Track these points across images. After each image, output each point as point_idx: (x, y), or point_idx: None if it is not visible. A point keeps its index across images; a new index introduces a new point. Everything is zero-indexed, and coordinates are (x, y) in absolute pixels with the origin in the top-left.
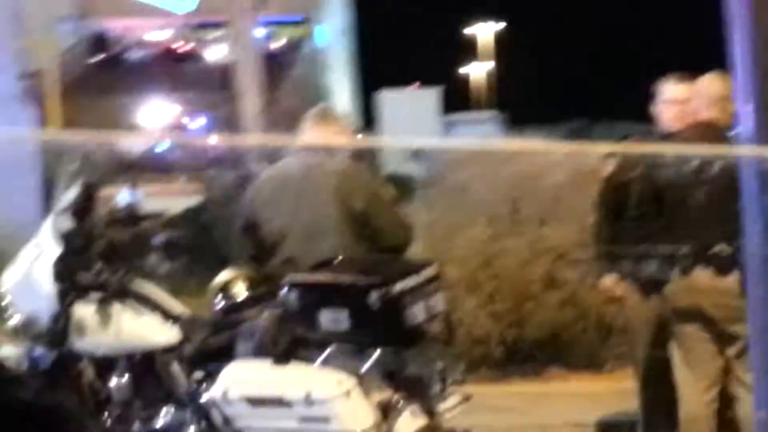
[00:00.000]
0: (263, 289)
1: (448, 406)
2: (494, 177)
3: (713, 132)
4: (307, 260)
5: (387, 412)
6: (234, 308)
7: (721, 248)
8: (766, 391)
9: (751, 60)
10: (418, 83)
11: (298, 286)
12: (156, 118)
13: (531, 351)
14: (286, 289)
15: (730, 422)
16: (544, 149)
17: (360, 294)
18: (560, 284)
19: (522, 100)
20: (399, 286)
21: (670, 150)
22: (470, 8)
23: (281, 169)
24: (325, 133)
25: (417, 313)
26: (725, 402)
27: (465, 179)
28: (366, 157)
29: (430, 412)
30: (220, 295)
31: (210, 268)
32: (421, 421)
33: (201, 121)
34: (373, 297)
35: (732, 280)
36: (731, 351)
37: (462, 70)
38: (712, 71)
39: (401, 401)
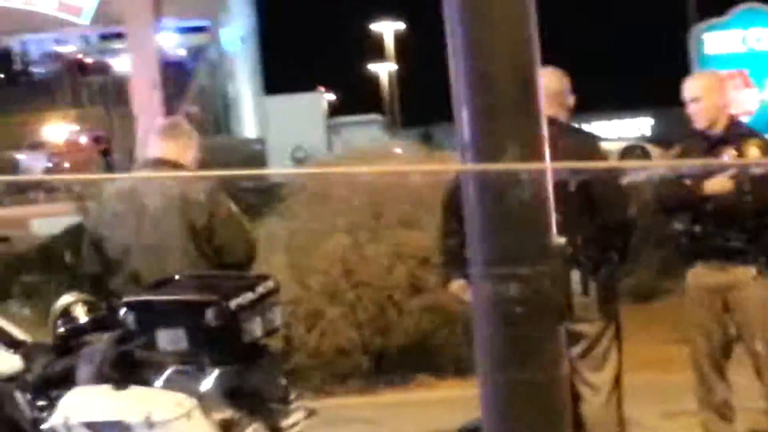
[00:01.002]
0: (103, 312)
1: (292, 421)
2: (356, 183)
3: (553, 127)
4: (149, 277)
5: (230, 430)
6: (75, 332)
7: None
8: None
9: (464, 67)
10: (322, 87)
11: (135, 305)
12: (57, 135)
13: (398, 359)
14: (124, 309)
15: (576, 422)
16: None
17: (196, 312)
18: (424, 290)
19: (419, 102)
20: (235, 303)
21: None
22: (373, 7)
23: (125, 184)
24: (173, 147)
25: (254, 328)
26: (571, 402)
27: (327, 186)
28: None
29: (274, 429)
30: (60, 320)
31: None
32: None
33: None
34: (210, 314)
35: (574, 278)
36: (575, 350)
37: (371, 68)
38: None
39: (244, 419)
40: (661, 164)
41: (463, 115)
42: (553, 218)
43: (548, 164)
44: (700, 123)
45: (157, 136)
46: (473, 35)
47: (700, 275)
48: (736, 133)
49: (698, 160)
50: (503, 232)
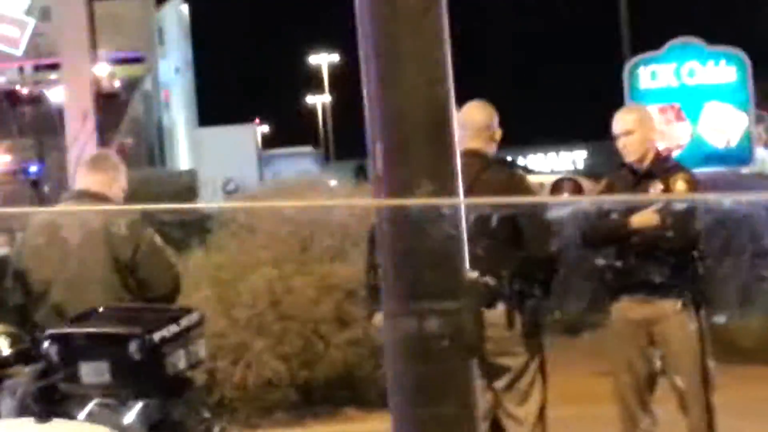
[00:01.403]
0: (26, 344)
1: None
2: (282, 216)
3: (478, 160)
4: (73, 310)
5: None
6: None
7: (486, 281)
8: None
9: (378, 102)
10: (256, 119)
11: (58, 338)
12: None
13: (325, 392)
14: (47, 342)
15: None
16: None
17: (119, 344)
18: (350, 323)
19: (354, 135)
20: (159, 335)
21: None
22: (310, 40)
23: (49, 216)
24: (99, 180)
25: (178, 361)
26: None
27: (254, 219)
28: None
29: None
30: None
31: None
32: None
33: (33, 168)
34: (133, 347)
35: (498, 313)
36: (499, 384)
37: (306, 101)
38: (471, 101)
39: None
40: (587, 199)
41: (376, 148)
42: (466, 253)
43: (461, 199)
44: (629, 156)
45: (84, 168)
46: (387, 70)
47: (625, 309)
48: (663, 168)
49: (624, 196)
50: (416, 267)
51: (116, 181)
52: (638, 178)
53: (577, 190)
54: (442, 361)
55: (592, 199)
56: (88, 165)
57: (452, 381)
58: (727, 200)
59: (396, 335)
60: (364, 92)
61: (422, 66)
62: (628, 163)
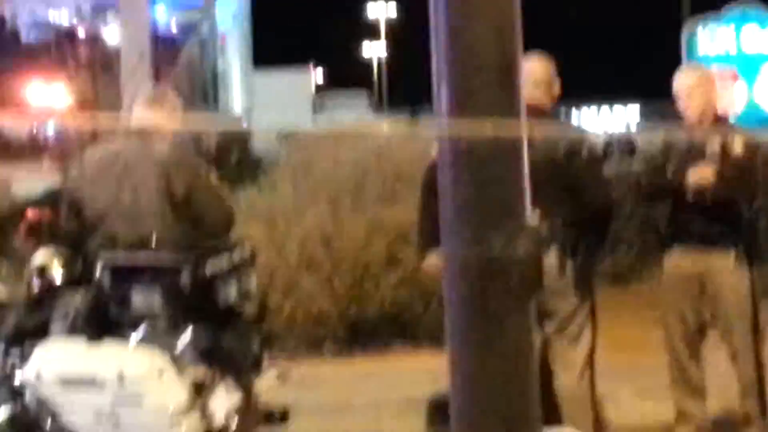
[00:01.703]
0: (79, 270)
1: (264, 384)
2: (338, 157)
3: (538, 114)
4: (126, 241)
5: (201, 389)
6: (50, 289)
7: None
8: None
9: (446, 46)
10: (312, 64)
11: (110, 266)
12: (43, 100)
13: (374, 329)
14: (99, 269)
15: (550, 397)
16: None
17: (171, 274)
18: (400, 263)
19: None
20: (210, 267)
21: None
22: None
23: (107, 149)
24: (155, 116)
25: (228, 292)
26: (545, 377)
27: (309, 160)
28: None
29: (246, 389)
30: (35, 276)
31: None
32: (237, 397)
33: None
34: (184, 277)
35: (551, 259)
36: (550, 327)
37: (364, 50)
38: (532, 54)
39: (216, 378)
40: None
41: (442, 93)
42: (528, 197)
43: (523, 124)
44: (690, 117)
45: (142, 104)
46: (457, 14)
47: (678, 260)
48: (722, 128)
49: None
50: (478, 206)
51: (174, 118)
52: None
53: (630, 145)
54: (499, 299)
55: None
56: (146, 101)
57: (509, 318)
58: None
59: (453, 271)
60: (432, 33)
61: (491, 11)
62: (688, 122)
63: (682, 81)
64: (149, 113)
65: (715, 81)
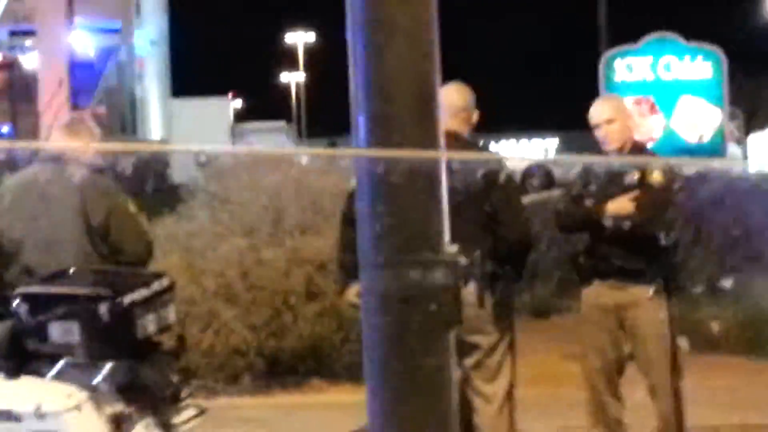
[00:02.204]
0: None
1: (183, 419)
2: (257, 186)
3: (456, 142)
4: (44, 271)
5: (120, 424)
6: None
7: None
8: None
9: (364, 75)
10: (230, 93)
11: (28, 297)
12: None
13: (292, 362)
14: (17, 300)
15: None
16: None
17: (89, 306)
18: (319, 295)
19: (326, 112)
20: (129, 298)
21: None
22: (288, 16)
23: (24, 177)
24: (72, 143)
25: (147, 325)
26: (464, 412)
27: (228, 189)
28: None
29: (165, 425)
30: None
31: None
32: None
33: (5, 129)
34: (103, 309)
35: (470, 291)
36: (469, 361)
37: (281, 78)
38: (450, 83)
39: (134, 414)
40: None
41: (360, 121)
42: (447, 228)
43: (442, 153)
44: (611, 144)
45: (59, 132)
46: (374, 43)
47: (597, 293)
48: (640, 158)
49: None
50: (396, 237)
51: (91, 146)
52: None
53: (549, 178)
54: (418, 334)
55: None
56: (63, 129)
57: (426, 351)
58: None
59: (370, 299)
60: (350, 62)
61: (411, 38)
62: (608, 151)
63: (601, 109)
64: (66, 140)
65: (630, 110)
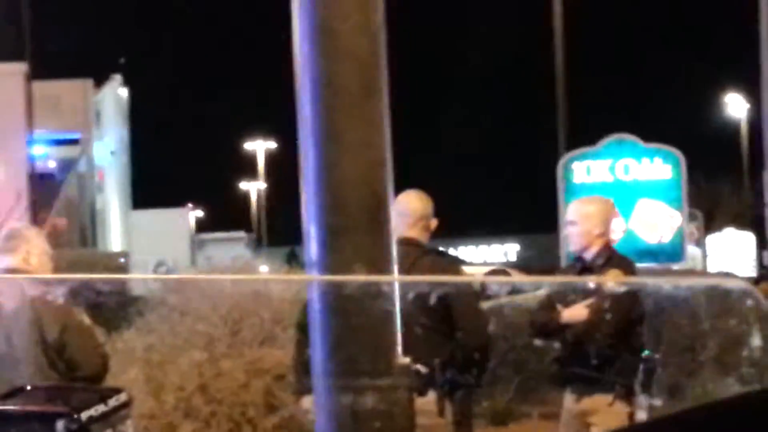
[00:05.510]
0: None
1: None
2: (214, 299)
3: (415, 249)
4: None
5: None
6: None
7: (417, 368)
8: None
9: (315, 188)
10: (190, 203)
11: None
12: None
13: None
14: None
15: None
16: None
17: (46, 423)
18: (279, 406)
19: (287, 221)
20: (86, 414)
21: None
22: (247, 127)
23: None
24: (15, 259)
25: None
26: None
27: (184, 301)
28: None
29: None
30: None
31: None
32: None
33: None
34: (60, 426)
35: (429, 400)
36: None
37: (241, 186)
38: (409, 190)
39: None
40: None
41: (311, 232)
42: (399, 337)
43: (396, 276)
44: (570, 246)
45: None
46: (325, 154)
47: (567, 400)
48: (602, 260)
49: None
50: (348, 347)
51: (32, 253)
52: (583, 268)
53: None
54: None
55: (517, 279)
56: (1, 242)
57: None
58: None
59: (324, 413)
60: (301, 175)
61: (361, 151)
62: (574, 252)
63: (567, 210)
64: (7, 257)
65: (606, 213)
